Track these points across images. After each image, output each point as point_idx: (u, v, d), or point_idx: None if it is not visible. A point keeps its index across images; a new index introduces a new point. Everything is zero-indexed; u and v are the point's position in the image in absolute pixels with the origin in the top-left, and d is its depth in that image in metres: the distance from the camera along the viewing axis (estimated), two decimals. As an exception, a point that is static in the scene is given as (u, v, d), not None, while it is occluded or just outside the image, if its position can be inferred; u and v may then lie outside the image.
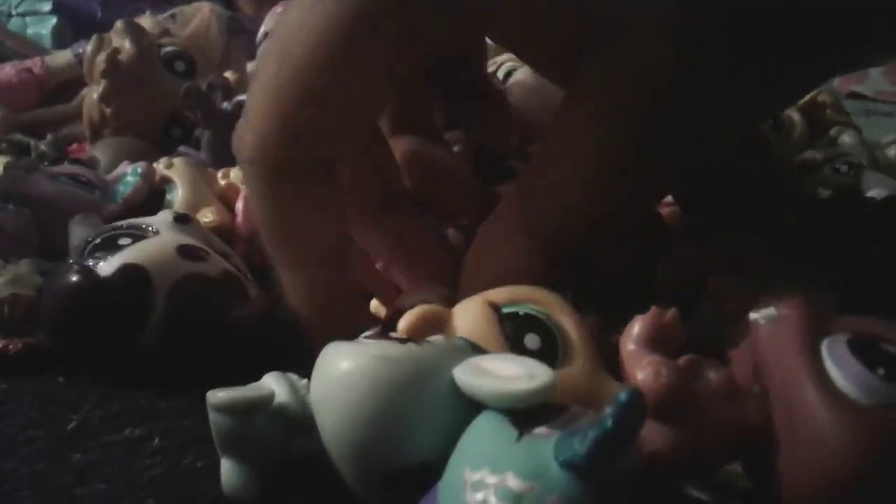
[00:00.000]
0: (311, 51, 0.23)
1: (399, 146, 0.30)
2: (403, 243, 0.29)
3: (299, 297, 0.26)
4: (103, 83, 0.43)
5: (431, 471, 0.20)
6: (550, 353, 0.24)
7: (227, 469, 0.22)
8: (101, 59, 0.43)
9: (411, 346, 0.21)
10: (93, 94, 0.44)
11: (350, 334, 0.23)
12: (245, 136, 0.24)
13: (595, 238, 0.26)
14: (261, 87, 0.24)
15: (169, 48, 0.46)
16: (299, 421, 0.22)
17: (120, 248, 0.28)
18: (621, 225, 0.27)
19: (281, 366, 0.24)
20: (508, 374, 0.19)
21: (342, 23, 0.23)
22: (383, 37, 0.23)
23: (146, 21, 0.51)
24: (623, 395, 0.16)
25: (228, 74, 0.47)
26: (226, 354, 0.28)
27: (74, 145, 0.48)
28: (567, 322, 0.25)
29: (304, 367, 0.23)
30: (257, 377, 0.23)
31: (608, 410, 0.16)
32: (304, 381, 0.23)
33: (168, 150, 0.43)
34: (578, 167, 0.25)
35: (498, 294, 0.25)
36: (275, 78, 0.23)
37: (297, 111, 0.23)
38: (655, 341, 0.21)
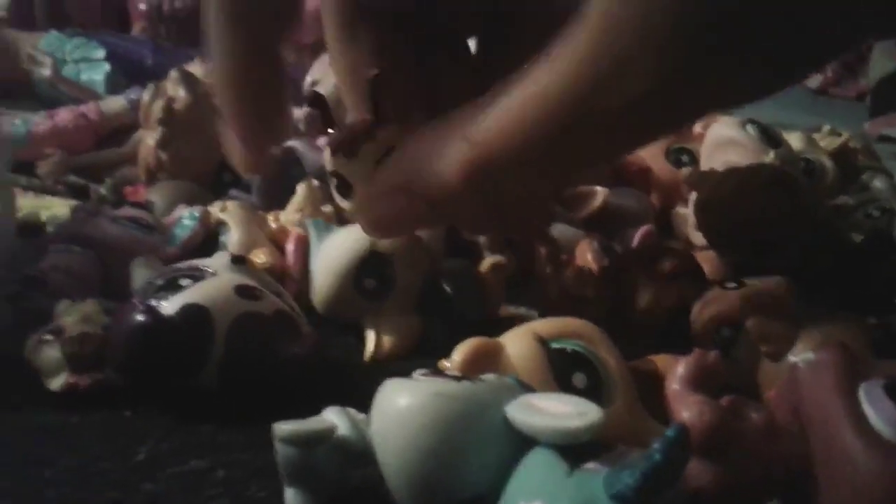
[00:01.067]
0: None
1: None
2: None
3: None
4: (160, 130, 0.45)
5: (484, 503, 0.21)
6: (596, 391, 0.26)
7: (291, 498, 0.23)
8: (158, 106, 0.45)
9: (465, 384, 0.22)
10: (149, 140, 0.47)
11: None
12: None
13: (527, 180, 0.25)
14: None
15: (221, 96, 0.48)
16: (359, 453, 0.23)
17: (181, 288, 0.29)
18: (558, 177, 0.26)
19: (332, 400, 0.25)
20: (559, 411, 0.20)
21: None
22: None
23: (198, 68, 0.54)
24: (671, 432, 0.17)
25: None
26: (280, 389, 0.29)
27: (128, 188, 0.50)
28: (610, 360, 0.26)
29: (353, 402, 0.25)
30: (309, 411, 0.24)
31: (656, 445, 0.17)
32: (363, 415, 0.24)
33: (219, 193, 0.45)
34: (557, 82, 0.23)
35: (545, 327, 0.26)
36: None
37: None
38: (699, 381, 0.22)
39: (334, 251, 0.35)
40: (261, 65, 0.29)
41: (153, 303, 0.29)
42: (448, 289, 0.34)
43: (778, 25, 0.21)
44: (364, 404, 0.24)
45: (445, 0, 0.32)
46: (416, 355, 0.34)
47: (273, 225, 0.40)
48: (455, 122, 0.25)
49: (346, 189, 0.33)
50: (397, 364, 0.33)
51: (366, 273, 0.34)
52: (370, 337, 0.34)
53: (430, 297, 0.34)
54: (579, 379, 0.26)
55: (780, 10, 0.21)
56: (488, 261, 0.35)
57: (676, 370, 0.23)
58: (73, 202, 0.49)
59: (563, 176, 0.27)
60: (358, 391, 0.26)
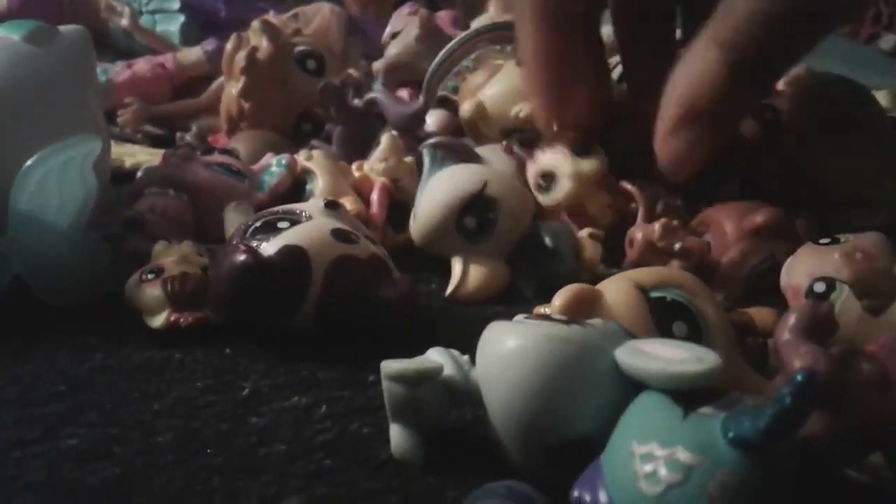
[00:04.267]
0: None
1: None
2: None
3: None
4: (243, 80, 0.45)
5: (591, 445, 0.21)
6: (696, 341, 0.25)
7: (397, 434, 0.24)
8: (241, 56, 0.46)
9: (575, 328, 0.22)
10: (231, 89, 0.47)
11: None
12: None
13: (773, 63, 0.31)
14: None
15: (301, 47, 0.49)
16: (462, 393, 0.24)
17: (279, 230, 0.30)
18: (796, 47, 0.31)
19: (422, 343, 0.26)
20: (673, 356, 0.20)
21: None
22: None
23: (274, 20, 0.54)
24: (800, 376, 0.17)
25: (352, 72, 0.49)
26: (373, 331, 0.30)
27: (210, 137, 0.51)
28: (710, 309, 0.26)
29: (444, 343, 0.25)
30: (400, 352, 0.24)
31: (785, 389, 0.17)
32: (466, 356, 0.24)
33: (300, 143, 0.46)
34: None
35: (645, 276, 0.26)
36: None
37: None
38: (811, 332, 0.22)
39: (444, 185, 0.35)
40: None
41: (253, 243, 0.29)
42: (548, 241, 0.34)
43: None
44: (451, 346, 0.25)
45: None
46: (499, 303, 0.34)
47: (356, 174, 0.40)
48: (700, 40, 0.30)
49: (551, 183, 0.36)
50: (485, 309, 0.33)
51: (469, 212, 0.34)
52: (456, 270, 0.35)
53: (527, 249, 0.35)
54: (679, 328, 0.26)
55: None
56: (587, 229, 0.36)
57: (788, 320, 0.22)
58: (154, 150, 0.50)
59: (799, 51, 0.32)
60: (444, 334, 0.26)
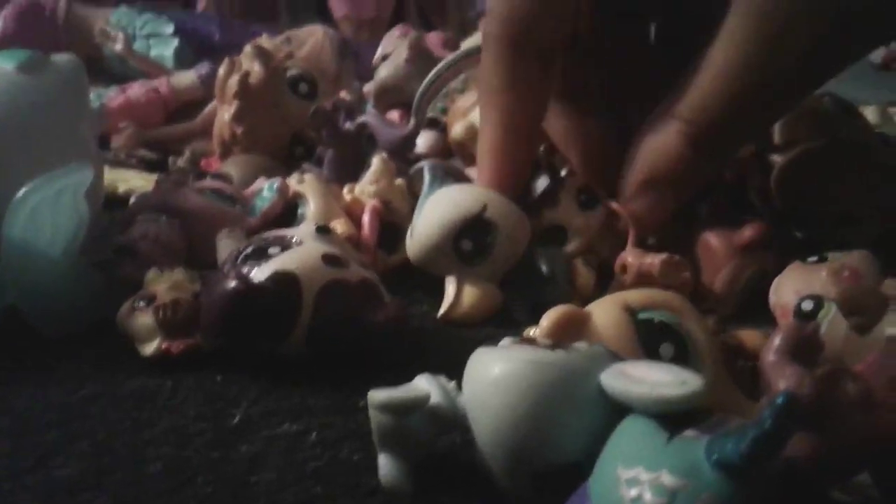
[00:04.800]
0: None
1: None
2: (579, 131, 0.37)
3: (488, 150, 0.35)
4: (235, 104, 0.46)
5: (578, 470, 0.21)
6: (683, 362, 0.26)
7: (385, 463, 0.24)
8: (233, 81, 0.46)
9: (560, 352, 0.22)
10: (224, 113, 0.47)
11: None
12: (492, 20, 0.33)
13: (732, 137, 0.31)
14: None
15: (293, 71, 0.49)
16: (449, 420, 0.24)
17: (270, 256, 0.30)
18: (755, 124, 0.32)
19: (413, 366, 0.26)
20: (657, 379, 0.21)
21: None
22: None
23: (267, 44, 0.54)
24: (781, 398, 0.18)
25: (344, 95, 0.50)
26: (364, 355, 0.30)
27: (202, 161, 0.51)
28: (697, 331, 0.26)
29: (433, 368, 0.25)
30: (391, 377, 0.25)
31: (766, 412, 0.18)
32: (453, 382, 0.24)
33: (292, 167, 0.46)
34: (719, 52, 0.29)
35: (633, 297, 0.26)
36: None
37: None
38: (796, 353, 0.22)
39: (444, 205, 0.35)
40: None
41: (244, 270, 0.29)
42: (543, 268, 0.34)
43: None
44: (441, 369, 0.25)
45: None
46: (492, 326, 0.34)
47: (348, 197, 0.40)
48: (663, 113, 0.31)
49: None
50: (477, 331, 0.33)
51: (467, 234, 0.34)
52: (449, 291, 0.35)
53: (522, 273, 0.35)
54: (666, 350, 0.26)
55: None
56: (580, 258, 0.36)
57: (773, 341, 0.23)
58: (147, 175, 0.50)
59: (758, 127, 0.33)
60: (435, 357, 0.26)
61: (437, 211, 0.35)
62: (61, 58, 0.35)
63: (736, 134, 0.32)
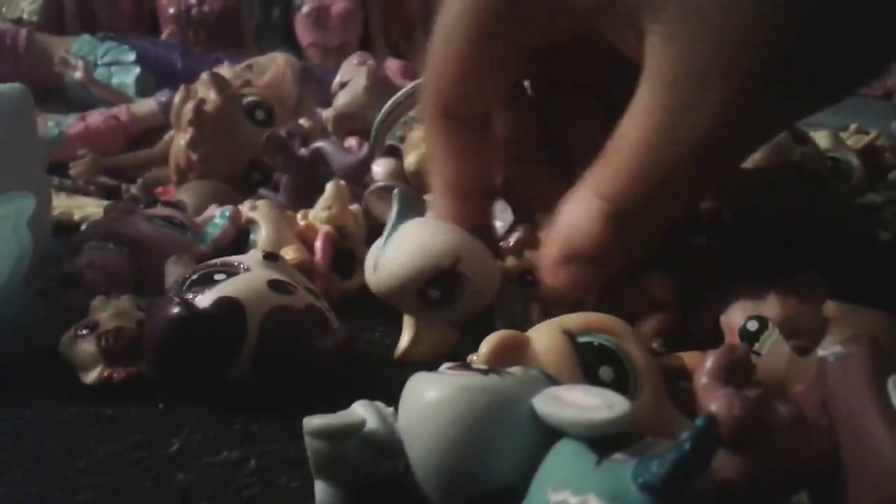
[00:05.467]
0: (448, 33, 0.31)
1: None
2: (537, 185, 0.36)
3: (442, 217, 0.34)
4: (190, 131, 0.46)
5: (512, 495, 0.21)
6: (623, 385, 0.26)
7: (321, 490, 0.23)
8: (189, 108, 0.46)
9: (493, 377, 0.22)
10: (180, 140, 0.47)
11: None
12: (424, 93, 0.33)
13: (655, 214, 0.29)
14: (428, 61, 0.32)
15: (250, 98, 0.49)
16: (386, 446, 0.24)
17: (215, 282, 0.30)
18: (677, 201, 0.30)
19: (359, 393, 0.25)
20: (586, 403, 0.21)
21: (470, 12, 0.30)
22: (501, 22, 0.30)
23: (227, 71, 0.54)
24: (700, 421, 0.18)
25: (303, 122, 0.50)
26: (310, 382, 0.29)
27: (159, 188, 0.51)
28: (637, 353, 0.26)
29: (379, 395, 0.25)
30: (337, 404, 0.24)
31: (686, 435, 0.18)
32: (391, 409, 0.24)
33: (248, 193, 0.46)
34: (631, 124, 0.28)
35: (572, 321, 0.26)
36: (432, 54, 0.32)
37: (448, 77, 0.32)
38: (727, 375, 0.22)
39: (414, 249, 0.32)
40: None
41: (188, 296, 0.29)
42: (502, 317, 0.34)
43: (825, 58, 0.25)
44: (390, 397, 0.24)
45: (570, 59, 0.35)
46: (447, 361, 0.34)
47: (302, 223, 0.40)
48: (584, 186, 0.29)
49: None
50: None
51: (435, 285, 0.32)
52: (406, 335, 0.33)
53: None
54: (606, 372, 0.26)
55: (833, 43, 0.25)
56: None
57: (705, 363, 0.23)
58: (105, 202, 0.50)
59: (681, 202, 0.31)
60: (384, 385, 0.26)
61: (406, 253, 0.32)
62: (5, 86, 0.35)
63: (658, 213, 0.29)
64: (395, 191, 0.35)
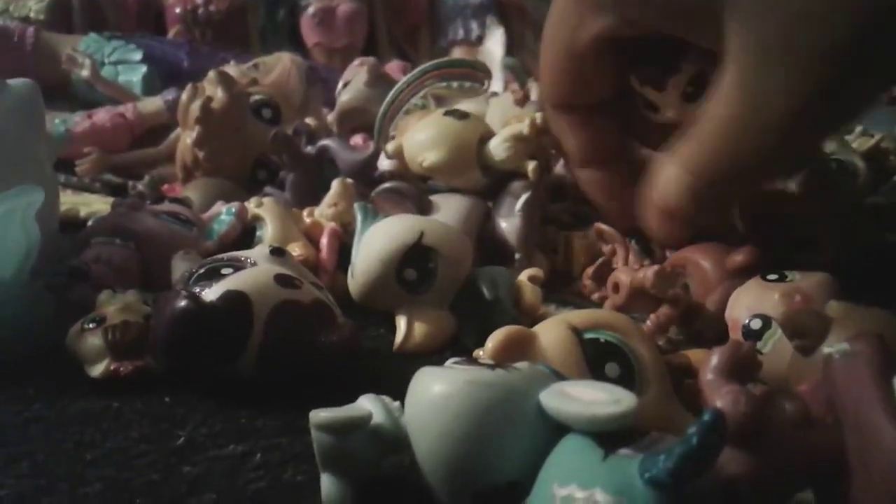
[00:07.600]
0: (551, 36, 0.36)
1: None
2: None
3: (582, 184, 0.39)
4: (197, 129, 0.46)
5: (518, 489, 0.21)
6: (629, 381, 0.26)
7: (327, 484, 0.23)
8: (196, 106, 0.46)
9: (500, 372, 0.22)
10: (186, 138, 0.47)
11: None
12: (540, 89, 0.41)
13: (733, 190, 0.32)
14: (541, 60, 0.37)
15: (257, 96, 0.49)
16: (392, 440, 0.24)
17: (222, 276, 0.30)
18: (757, 183, 0.34)
19: (365, 388, 0.25)
20: (593, 398, 0.21)
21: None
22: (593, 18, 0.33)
23: (233, 70, 0.55)
24: (707, 417, 0.18)
25: (309, 120, 0.50)
26: (316, 376, 0.29)
27: (165, 186, 0.51)
28: (643, 350, 0.26)
29: (385, 389, 0.25)
30: (343, 398, 0.24)
31: (693, 430, 0.18)
32: (397, 402, 0.24)
33: (254, 191, 0.46)
34: (724, 113, 0.30)
35: (579, 318, 0.27)
36: (542, 53, 0.36)
37: (556, 76, 0.37)
38: (733, 371, 0.22)
39: (381, 238, 0.34)
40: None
41: (195, 289, 0.29)
42: (486, 292, 0.34)
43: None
44: (396, 392, 0.25)
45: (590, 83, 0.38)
46: (450, 353, 0.34)
47: (307, 220, 0.40)
48: (674, 156, 0.32)
49: None
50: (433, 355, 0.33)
51: (409, 263, 0.34)
52: (401, 325, 0.34)
53: (466, 298, 0.35)
54: (612, 369, 0.26)
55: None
56: (527, 272, 0.36)
57: (710, 360, 0.23)
58: (111, 199, 0.50)
59: (756, 179, 0.33)
60: (390, 379, 0.26)
61: (374, 245, 0.34)
62: (15, 81, 0.35)
63: (735, 189, 0.33)
64: (356, 204, 0.37)
